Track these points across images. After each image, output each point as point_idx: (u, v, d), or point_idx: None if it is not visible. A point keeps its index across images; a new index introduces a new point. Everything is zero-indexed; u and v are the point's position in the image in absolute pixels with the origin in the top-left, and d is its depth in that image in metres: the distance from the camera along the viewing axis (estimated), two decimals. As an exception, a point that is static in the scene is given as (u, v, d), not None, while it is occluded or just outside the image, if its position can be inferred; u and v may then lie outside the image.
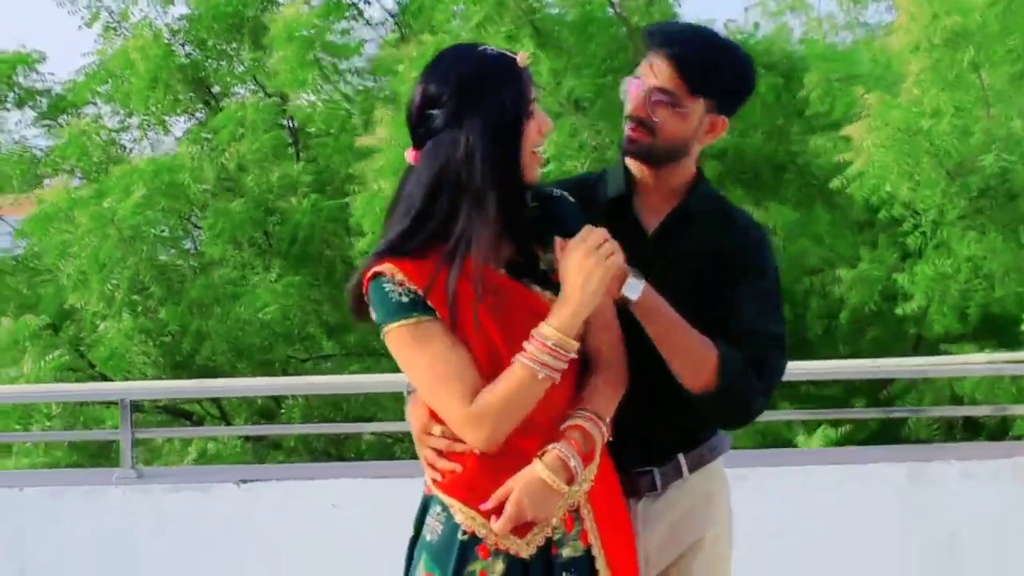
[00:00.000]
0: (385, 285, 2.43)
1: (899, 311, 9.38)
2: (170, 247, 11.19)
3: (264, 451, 10.77)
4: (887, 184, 9.13)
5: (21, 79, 13.58)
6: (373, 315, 2.49)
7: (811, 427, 8.86)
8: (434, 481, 2.55)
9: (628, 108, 2.74)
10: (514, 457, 2.48)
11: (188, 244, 11.82)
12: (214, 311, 10.19)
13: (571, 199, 2.61)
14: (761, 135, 10.76)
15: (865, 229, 10.41)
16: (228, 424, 10.81)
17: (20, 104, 13.75)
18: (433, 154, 2.44)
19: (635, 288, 2.55)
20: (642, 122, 2.72)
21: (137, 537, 5.03)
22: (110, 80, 12.24)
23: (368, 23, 12.28)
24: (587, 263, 2.42)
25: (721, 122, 2.78)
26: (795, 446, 8.75)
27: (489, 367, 2.45)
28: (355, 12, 12.11)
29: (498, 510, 2.46)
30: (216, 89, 12.59)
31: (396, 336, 2.45)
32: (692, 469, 2.85)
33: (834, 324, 10.17)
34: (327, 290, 10.84)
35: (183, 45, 12.23)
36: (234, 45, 12.27)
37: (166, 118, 12.45)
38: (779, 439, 9.26)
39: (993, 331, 9.53)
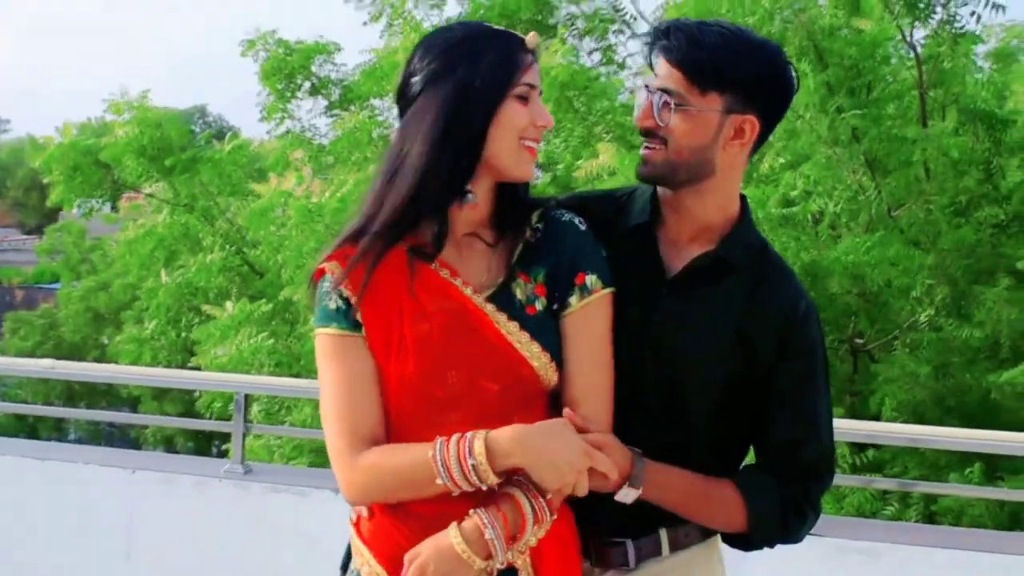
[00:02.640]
0: (324, 284, 2.21)
1: None
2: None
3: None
4: None
5: (316, 69, 14.06)
6: None
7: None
8: (354, 525, 2.26)
9: (636, 119, 2.33)
10: (438, 519, 2.13)
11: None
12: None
13: (582, 229, 2.27)
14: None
15: None
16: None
17: (314, 93, 14.24)
18: (403, 123, 2.19)
19: (628, 496, 2.24)
20: (652, 133, 2.28)
21: (236, 532, 4.94)
22: (384, 78, 12.40)
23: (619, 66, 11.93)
24: (577, 462, 2.09)
25: (749, 123, 2.27)
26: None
27: (397, 399, 2.17)
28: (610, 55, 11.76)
29: None
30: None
31: (317, 343, 2.22)
32: (674, 548, 2.37)
33: None
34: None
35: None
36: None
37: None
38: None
39: None
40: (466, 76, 2.12)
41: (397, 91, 2.21)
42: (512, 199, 2.26)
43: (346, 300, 2.17)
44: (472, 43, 2.16)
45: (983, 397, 9.03)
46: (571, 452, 2.07)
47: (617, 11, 11.97)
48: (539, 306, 2.21)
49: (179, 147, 13.03)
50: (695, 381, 2.31)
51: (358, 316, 2.16)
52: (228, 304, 10.54)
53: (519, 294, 2.21)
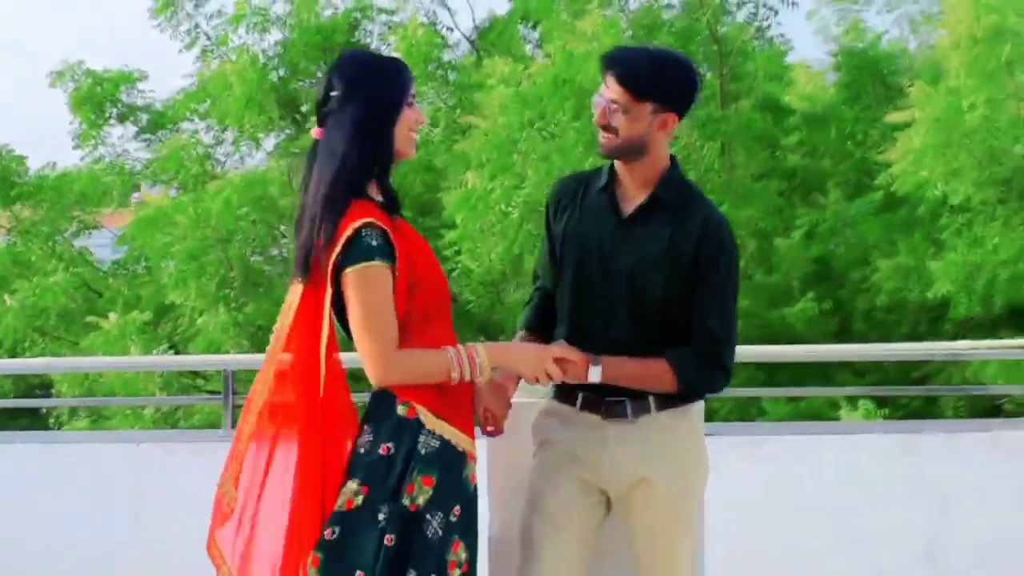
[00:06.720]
0: (364, 230, 2.89)
1: (929, 294, 10.19)
2: (257, 252, 12.07)
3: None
4: (924, 168, 9.88)
5: (124, 96, 14.61)
6: (335, 256, 2.91)
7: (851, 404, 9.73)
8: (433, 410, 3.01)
9: (595, 118, 3.28)
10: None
11: (275, 251, 12.72)
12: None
13: None
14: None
15: (912, 225, 11.09)
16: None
17: (122, 120, 14.77)
18: (336, 125, 2.99)
19: (595, 374, 3.17)
20: (606, 127, 3.23)
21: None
22: (208, 99, 13.15)
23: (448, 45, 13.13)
24: (537, 366, 3.10)
25: (671, 118, 3.22)
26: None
27: (408, 309, 2.97)
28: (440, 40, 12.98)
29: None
30: (305, 108, 13.45)
31: (360, 273, 2.89)
32: (660, 408, 3.26)
33: (874, 311, 11.06)
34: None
35: (276, 69, 13.19)
36: (325, 67, 13.17)
37: (260, 135, 13.35)
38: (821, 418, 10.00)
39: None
40: (376, 93, 2.99)
41: (319, 100, 3.05)
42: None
43: (386, 238, 2.90)
44: (377, 68, 3.06)
45: (783, 329, 10.83)
46: (535, 356, 3.10)
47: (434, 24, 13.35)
48: None
49: (17, 176, 13.56)
50: (645, 288, 3.21)
51: (395, 252, 2.92)
52: (111, 315, 11.26)
53: None
